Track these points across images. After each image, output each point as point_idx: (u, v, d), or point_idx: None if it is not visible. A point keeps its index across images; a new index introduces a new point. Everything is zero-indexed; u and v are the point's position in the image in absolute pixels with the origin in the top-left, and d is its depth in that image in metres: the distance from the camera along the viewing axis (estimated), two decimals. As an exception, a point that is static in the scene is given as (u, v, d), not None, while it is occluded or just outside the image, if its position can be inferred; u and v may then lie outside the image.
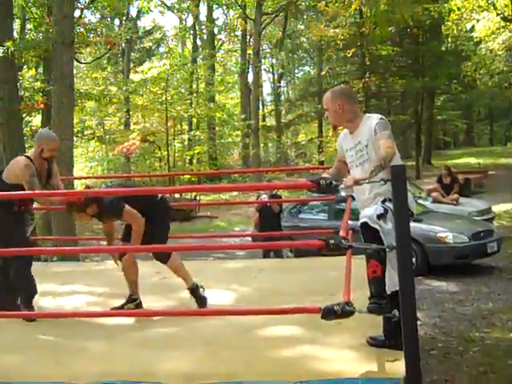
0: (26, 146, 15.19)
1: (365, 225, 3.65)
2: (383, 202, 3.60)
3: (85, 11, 18.94)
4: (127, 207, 4.87)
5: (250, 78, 33.28)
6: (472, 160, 30.40)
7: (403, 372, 3.05)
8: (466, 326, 7.14)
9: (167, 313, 4.77)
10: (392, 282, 3.51)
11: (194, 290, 4.94)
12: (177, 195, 20.60)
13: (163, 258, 4.98)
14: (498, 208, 15.74)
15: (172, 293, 4.97)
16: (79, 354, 3.95)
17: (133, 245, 4.80)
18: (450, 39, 17.20)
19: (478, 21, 17.34)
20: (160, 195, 5.22)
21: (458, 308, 7.95)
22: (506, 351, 6.08)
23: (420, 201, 12.13)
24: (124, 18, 35.24)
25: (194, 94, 30.57)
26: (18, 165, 4.98)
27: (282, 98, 46.44)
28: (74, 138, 14.23)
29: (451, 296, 8.61)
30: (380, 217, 3.57)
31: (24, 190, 4.83)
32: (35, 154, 5.10)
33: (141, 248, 4.97)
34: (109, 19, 32.27)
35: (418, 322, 3.86)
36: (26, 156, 5.13)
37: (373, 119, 3.79)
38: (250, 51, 32.81)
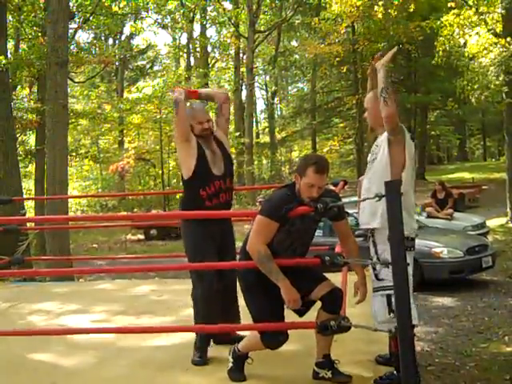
0: (20, 165, 15.16)
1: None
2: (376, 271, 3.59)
3: (78, 30, 19.07)
4: None
5: (244, 95, 33.41)
6: (466, 175, 30.49)
7: (400, 387, 3.05)
8: (462, 340, 7.13)
9: (164, 329, 4.73)
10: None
11: None
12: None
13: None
14: (492, 222, 15.78)
15: (169, 310, 4.94)
16: (75, 376, 3.92)
17: None
18: (441, 53, 17.25)
19: (470, 36, 17.42)
20: None
21: (454, 323, 7.94)
22: (503, 366, 6.06)
23: (414, 216, 12.12)
24: (118, 37, 35.46)
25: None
26: None
27: (276, 114, 46.56)
28: (68, 157, 14.21)
29: (447, 311, 8.61)
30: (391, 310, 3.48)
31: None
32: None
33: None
34: (103, 38, 32.52)
35: (415, 338, 3.85)
36: None
37: None
38: (243, 69, 32.97)
